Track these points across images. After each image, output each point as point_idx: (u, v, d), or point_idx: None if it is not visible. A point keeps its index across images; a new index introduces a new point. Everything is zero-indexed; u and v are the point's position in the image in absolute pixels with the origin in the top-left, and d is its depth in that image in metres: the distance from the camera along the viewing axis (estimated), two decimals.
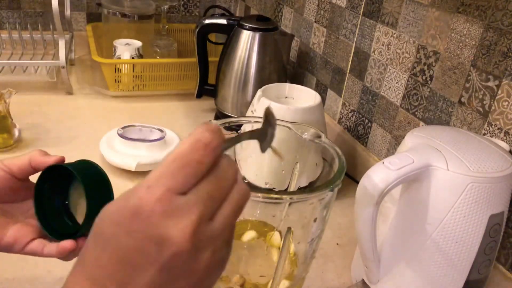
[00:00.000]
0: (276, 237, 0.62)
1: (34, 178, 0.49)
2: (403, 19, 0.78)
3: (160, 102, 1.15)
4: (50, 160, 0.47)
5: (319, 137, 0.57)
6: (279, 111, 0.73)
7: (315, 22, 1.05)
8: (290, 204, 0.57)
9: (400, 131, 0.80)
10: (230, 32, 1.00)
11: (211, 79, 1.08)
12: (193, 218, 0.29)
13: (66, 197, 0.51)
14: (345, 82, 0.95)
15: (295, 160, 0.63)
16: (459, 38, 0.67)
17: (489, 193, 0.50)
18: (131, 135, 0.88)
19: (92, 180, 0.47)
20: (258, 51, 0.97)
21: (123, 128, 0.89)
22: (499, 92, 0.61)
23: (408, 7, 0.76)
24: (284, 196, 0.52)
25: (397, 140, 0.81)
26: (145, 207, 0.29)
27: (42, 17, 1.44)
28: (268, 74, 0.99)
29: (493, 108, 0.62)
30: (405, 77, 0.78)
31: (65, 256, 0.46)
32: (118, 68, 1.13)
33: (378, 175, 0.49)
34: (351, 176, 0.88)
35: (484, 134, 0.64)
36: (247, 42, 0.97)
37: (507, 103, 0.60)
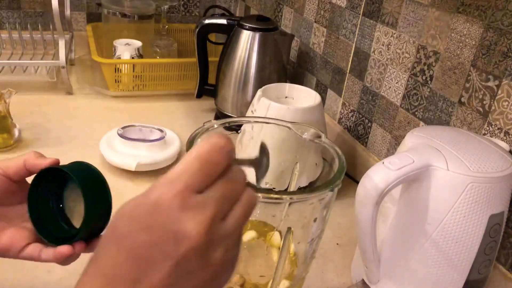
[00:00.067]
0: (276, 237, 0.62)
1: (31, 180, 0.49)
2: (403, 19, 0.78)
3: (160, 102, 1.16)
4: (44, 162, 0.46)
5: (319, 137, 0.57)
6: (279, 111, 0.73)
7: (315, 22, 1.05)
8: (290, 204, 0.57)
9: (400, 131, 0.80)
10: (230, 32, 1.00)
11: (211, 79, 1.08)
12: (209, 215, 0.30)
13: (61, 200, 0.49)
14: (345, 82, 0.95)
15: (295, 160, 0.63)
16: (459, 38, 0.67)
17: (489, 193, 0.50)
18: (131, 135, 0.88)
19: (89, 182, 0.46)
20: (258, 51, 0.97)
21: (123, 128, 0.89)
22: (499, 92, 0.61)
23: (408, 7, 0.76)
24: (284, 196, 0.52)
25: (397, 140, 0.81)
26: (164, 201, 0.30)
27: (42, 17, 1.44)
28: (268, 74, 0.99)
29: (493, 108, 0.62)
30: (405, 77, 0.78)
31: (62, 261, 0.46)
32: (118, 68, 1.13)
33: (378, 175, 0.49)
34: (351, 176, 0.88)
35: (484, 134, 0.64)
36: (247, 42, 0.97)
37: (507, 103, 0.60)
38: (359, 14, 0.89)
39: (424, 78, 0.74)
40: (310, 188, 0.62)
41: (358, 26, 0.90)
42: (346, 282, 0.66)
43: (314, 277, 0.67)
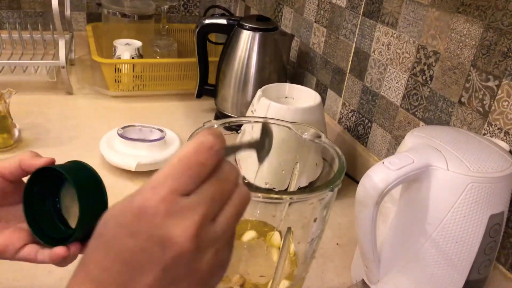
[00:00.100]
0: (276, 237, 0.62)
1: None
2: (403, 19, 0.78)
3: (160, 102, 1.16)
4: (39, 162, 0.46)
5: (319, 137, 0.57)
6: (279, 111, 0.73)
7: (315, 22, 1.05)
8: (290, 204, 0.57)
9: (400, 131, 0.80)
10: (230, 32, 1.00)
11: (211, 79, 1.08)
12: (196, 219, 0.29)
13: (57, 200, 0.49)
14: (345, 82, 0.95)
15: (295, 160, 0.63)
16: (459, 38, 0.67)
17: (489, 193, 0.50)
18: (131, 135, 0.88)
19: (84, 182, 0.45)
20: (258, 51, 0.97)
21: (123, 128, 0.89)
22: (499, 92, 0.61)
23: (408, 7, 0.76)
24: (284, 196, 0.52)
25: (397, 140, 0.81)
26: (149, 207, 0.29)
27: (42, 17, 1.44)
28: (268, 74, 0.99)
29: (493, 108, 0.62)
30: (405, 77, 0.78)
31: (59, 262, 0.45)
32: (118, 68, 1.13)
33: (378, 175, 0.49)
34: (351, 176, 0.88)
35: (484, 134, 0.64)
36: (247, 42, 0.97)
37: (507, 103, 0.60)
38: (359, 14, 0.89)
39: (424, 78, 0.74)
40: (310, 188, 0.62)
41: (358, 26, 0.90)
42: (346, 282, 0.66)
43: (314, 277, 0.67)
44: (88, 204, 0.44)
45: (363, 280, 0.61)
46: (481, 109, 0.64)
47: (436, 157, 0.51)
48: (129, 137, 0.87)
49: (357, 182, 0.54)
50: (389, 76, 0.82)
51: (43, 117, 1.01)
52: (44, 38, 1.30)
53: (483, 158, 0.51)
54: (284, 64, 1.03)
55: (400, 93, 0.79)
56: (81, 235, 0.45)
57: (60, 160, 0.48)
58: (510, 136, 0.60)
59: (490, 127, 0.63)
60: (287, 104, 0.75)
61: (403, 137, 0.58)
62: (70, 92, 1.14)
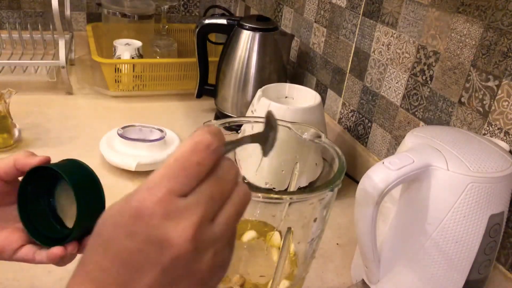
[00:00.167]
0: (276, 237, 0.62)
1: None
2: (403, 19, 0.78)
3: (160, 102, 1.16)
4: (34, 161, 0.45)
5: (319, 137, 0.57)
6: (279, 111, 0.73)
7: (315, 22, 1.05)
8: (290, 204, 0.57)
9: (400, 131, 0.80)
10: (230, 32, 1.00)
11: (211, 79, 1.08)
12: (194, 220, 0.29)
13: (51, 199, 0.48)
14: (345, 82, 0.95)
15: (295, 160, 0.63)
16: (459, 38, 0.67)
17: (489, 193, 0.50)
18: (131, 135, 0.88)
19: (80, 181, 0.44)
20: (258, 51, 0.97)
21: (123, 128, 0.89)
22: (499, 92, 0.61)
23: (408, 7, 0.76)
24: (284, 196, 0.52)
25: (397, 140, 0.81)
26: (145, 209, 0.28)
27: (42, 17, 1.44)
28: (268, 74, 0.99)
29: (493, 108, 0.62)
30: (405, 77, 0.78)
31: (57, 262, 0.45)
32: (118, 68, 1.13)
33: (378, 175, 0.49)
34: (351, 176, 0.88)
35: (484, 134, 0.64)
36: (247, 42, 0.97)
37: (507, 103, 0.60)
38: (359, 14, 0.89)
39: (424, 78, 0.74)
40: (310, 188, 0.62)
41: (358, 26, 0.90)
42: (346, 282, 0.66)
43: (314, 277, 0.67)
44: (86, 203, 0.44)
45: (363, 280, 0.61)
46: (481, 109, 0.64)
47: (436, 157, 0.51)
48: (129, 137, 0.87)
49: (357, 182, 0.54)
50: (389, 76, 0.82)
51: (43, 117, 1.01)
52: (44, 38, 1.30)
53: (483, 158, 0.51)
54: (284, 64, 1.03)
55: (400, 93, 0.79)
56: (78, 234, 0.45)
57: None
58: (510, 136, 0.60)
59: (490, 127, 0.63)
60: (287, 104, 0.76)
61: (403, 137, 0.58)
62: (70, 92, 1.14)
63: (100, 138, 0.89)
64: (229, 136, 0.61)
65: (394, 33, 0.80)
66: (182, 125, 1.05)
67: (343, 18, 0.94)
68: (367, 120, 0.89)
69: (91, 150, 0.89)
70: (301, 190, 0.63)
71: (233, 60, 0.99)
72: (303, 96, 0.82)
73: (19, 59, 1.24)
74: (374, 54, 0.85)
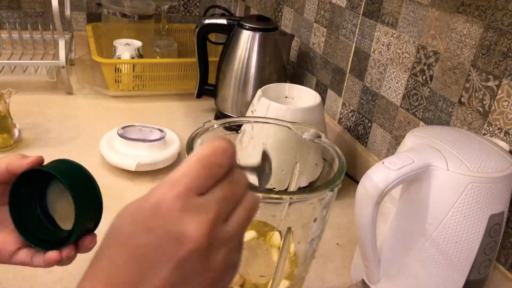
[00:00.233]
0: (276, 237, 0.62)
1: None
2: (403, 19, 0.78)
3: (160, 102, 1.16)
4: (27, 162, 0.44)
5: (319, 137, 0.57)
6: (279, 111, 0.73)
7: (315, 22, 1.05)
8: (290, 204, 0.57)
9: (400, 131, 0.80)
10: (230, 32, 1.00)
11: (211, 79, 1.08)
12: (210, 217, 0.30)
13: (44, 200, 0.47)
14: (345, 82, 0.95)
15: (295, 160, 0.63)
16: (459, 38, 0.67)
17: (489, 193, 0.50)
18: (131, 135, 0.88)
19: (76, 181, 0.43)
20: (258, 51, 0.97)
21: (123, 128, 0.89)
22: (499, 92, 0.61)
23: (408, 7, 0.76)
24: (284, 196, 0.52)
25: (397, 140, 0.81)
26: (165, 202, 0.30)
27: (42, 17, 1.44)
28: (268, 74, 0.99)
29: (493, 108, 0.62)
30: (405, 77, 0.78)
31: (56, 264, 0.45)
32: (118, 68, 1.13)
33: (378, 175, 0.49)
34: (351, 176, 0.88)
35: (484, 134, 0.64)
36: (247, 42, 0.97)
37: (507, 103, 0.60)
38: (359, 14, 0.89)
39: (424, 78, 0.74)
40: (310, 188, 0.62)
41: (358, 26, 0.90)
42: (346, 282, 0.66)
43: (314, 277, 0.67)
44: (83, 204, 0.43)
45: (363, 280, 0.61)
46: (481, 109, 0.64)
47: (436, 157, 0.51)
48: (129, 137, 0.87)
49: (357, 182, 0.54)
50: (389, 76, 0.82)
51: (43, 117, 1.01)
52: (44, 38, 1.30)
53: (483, 158, 0.51)
54: (284, 64, 1.03)
55: (400, 93, 0.79)
56: (77, 237, 0.45)
57: None
58: (510, 136, 0.60)
59: (490, 127, 0.63)
60: (287, 104, 0.75)
61: (403, 137, 0.58)
62: (70, 92, 1.14)
63: (100, 138, 0.89)
64: (229, 137, 0.61)
65: (394, 33, 0.80)
66: (182, 125, 1.05)
67: (343, 18, 0.94)
68: (367, 120, 0.89)
69: (91, 150, 0.89)
70: (301, 190, 0.63)
71: (233, 60, 0.99)
72: (303, 96, 0.82)
73: (19, 59, 1.24)
74: (374, 54, 0.85)
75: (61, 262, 0.45)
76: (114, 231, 0.31)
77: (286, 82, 1.02)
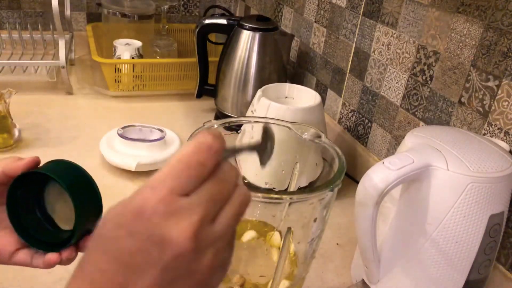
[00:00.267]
0: (276, 237, 0.62)
1: None
2: (403, 19, 0.78)
3: (160, 102, 1.16)
4: (23, 164, 0.44)
5: (319, 137, 0.57)
6: (279, 111, 0.73)
7: (315, 22, 1.05)
8: (290, 204, 0.57)
9: (400, 131, 0.80)
10: (230, 32, 1.00)
11: (211, 79, 1.08)
12: (195, 219, 0.29)
13: (41, 201, 0.47)
14: (345, 82, 0.95)
15: (295, 160, 0.63)
16: (459, 38, 0.67)
17: (489, 193, 0.50)
18: (131, 135, 0.88)
19: (75, 182, 0.43)
20: (258, 51, 0.97)
21: (123, 128, 0.89)
22: (499, 92, 0.61)
23: (408, 7, 0.76)
24: (284, 196, 0.52)
25: (397, 140, 0.81)
26: (147, 207, 0.29)
27: (42, 17, 1.44)
28: (268, 74, 0.99)
29: (493, 108, 0.62)
30: (405, 77, 0.78)
31: (60, 264, 0.45)
32: (118, 68, 1.13)
33: (378, 175, 0.49)
34: (351, 176, 0.88)
35: (484, 134, 0.64)
36: (247, 42, 0.97)
37: (507, 103, 0.60)
38: (359, 14, 0.89)
39: (424, 78, 0.74)
40: (310, 188, 0.62)
41: (358, 26, 0.90)
42: (346, 282, 0.66)
43: (314, 277, 0.67)
44: (82, 205, 0.43)
45: (363, 280, 0.61)
46: (481, 109, 0.64)
47: (436, 157, 0.51)
48: (129, 137, 0.87)
49: (357, 182, 0.54)
50: (389, 76, 0.82)
51: (43, 117, 1.01)
52: (44, 38, 1.30)
53: (483, 158, 0.51)
54: (284, 64, 1.03)
55: (400, 93, 0.79)
56: (78, 238, 0.45)
57: None
58: (510, 136, 0.60)
59: (490, 127, 0.63)
60: (287, 104, 0.76)
61: (403, 137, 0.58)
62: (70, 92, 1.14)
63: (100, 138, 0.89)
64: (229, 137, 0.61)
65: (394, 33, 0.80)
66: (182, 125, 1.05)
67: (343, 18, 0.94)
68: (367, 120, 0.89)
69: (91, 150, 0.89)
70: (301, 190, 0.63)
71: (233, 60, 0.99)
72: (303, 96, 0.82)
73: (19, 59, 1.24)
74: (374, 54, 0.85)
75: (61, 263, 0.45)
76: (98, 235, 0.30)
77: (286, 82, 1.02)
